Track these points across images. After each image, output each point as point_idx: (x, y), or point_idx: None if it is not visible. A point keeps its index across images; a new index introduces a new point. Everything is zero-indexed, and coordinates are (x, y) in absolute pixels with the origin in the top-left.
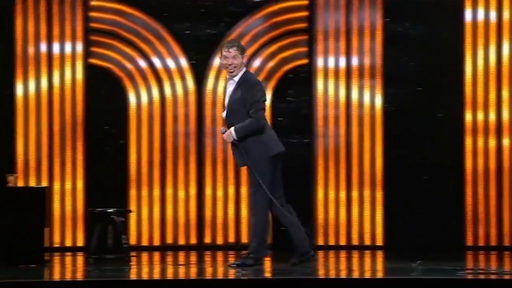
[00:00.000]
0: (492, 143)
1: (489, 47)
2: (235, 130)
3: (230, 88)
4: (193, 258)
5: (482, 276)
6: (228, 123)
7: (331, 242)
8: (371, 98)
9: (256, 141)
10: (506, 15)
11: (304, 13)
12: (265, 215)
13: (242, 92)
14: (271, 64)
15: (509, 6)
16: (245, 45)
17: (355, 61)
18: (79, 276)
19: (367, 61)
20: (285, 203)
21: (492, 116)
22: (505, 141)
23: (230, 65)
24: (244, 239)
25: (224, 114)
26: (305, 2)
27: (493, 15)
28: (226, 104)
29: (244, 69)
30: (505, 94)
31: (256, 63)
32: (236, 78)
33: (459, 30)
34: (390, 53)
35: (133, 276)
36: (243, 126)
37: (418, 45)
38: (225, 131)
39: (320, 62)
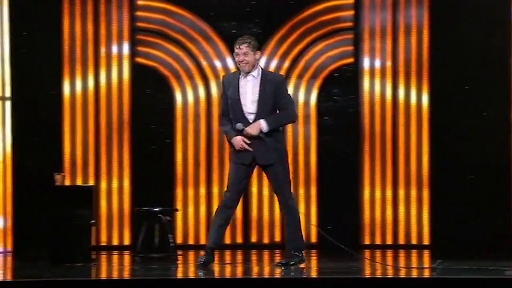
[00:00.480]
0: None
1: None
2: (267, 122)
3: (251, 84)
4: (239, 257)
5: None
6: (253, 119)
7: (378, 241)
8: (418, 97)
9: (280, 136)
10: None
11: (350, 12)
12: (298, 210)
13: (271, 87)
14: (317, 63)
15: None
16: (256, 42)
17: (401, 60)
18: (126, 275)
19: (413, 60)
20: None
21: None
22: None
23: (241, 61)
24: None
25: (251, 109)
26: (351, 1)
27: None
28: (252, 100)
29: (259, 66)
30: None
31: (302, 62)
32: (256, 74)
33: (506, 28)
34: (437, 52)
35: (179, 275)
36: (276, 117)
37: (464, 44)
38: (243, 127)
39: (366, 61)
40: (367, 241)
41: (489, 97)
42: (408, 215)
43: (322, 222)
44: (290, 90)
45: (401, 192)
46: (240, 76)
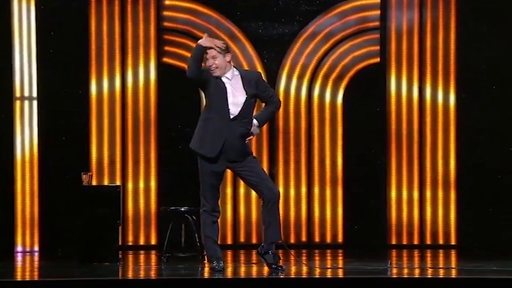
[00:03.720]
0: None
1: None
2: (260, 120)
3: (233, 86)
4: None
5: None
6: (239, 118)
7: (404, 241)
8: (445, 97)
9: None
10: None
11: (377, 12)
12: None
13: (255, 84)
14: (343, 62)
15: None
16: (224, 45)
17: (428, 60)
18: (153, 274)
19: (440, 59)
20: None
21: None
22: None
23: (211, 66)
24: (316, 238)
25: (236, 110)
26: (377, 1)
27: None
28: (238, 101)
29: (232, 67)
30: None
31: (329, 62)
32: (230, 76)
33: None
34: (464, 52)
35: (206, 274)
36: (266, 114)
37: (492, 43)
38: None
39: (392, 60)
40: (393, 241)
41: None
42: (435, 215)
43: (348, 222)
44: (317, 90)
45: (428, 193)
46: (217, 79)
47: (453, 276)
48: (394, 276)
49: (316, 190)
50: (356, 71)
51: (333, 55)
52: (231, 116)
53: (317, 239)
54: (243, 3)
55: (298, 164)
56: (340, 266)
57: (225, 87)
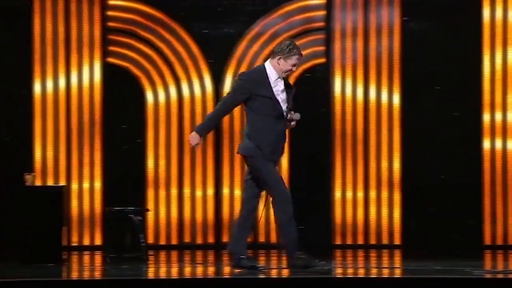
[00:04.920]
0: (510, 143)
1: (507, 47)
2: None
3: (282, 87)
4: (211, 257)
5: (500, 276)
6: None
7: (349, 241)
8: (389, 97)
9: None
10: None
11: (322, 12)
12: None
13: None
14: None
15: None
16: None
17: (372, 60)
18: (97, 275)
19: (384, 60)
20: None
21: (510, 117)
22: None
23: (293, 70)
24: (263, 238)
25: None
26: (323, 1)
27: (511, 15)
28: (287, 100)
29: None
30: None
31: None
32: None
33: (477, 29)
34: (408, 52)
35: (151, 275)
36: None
37: (436, 44)
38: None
39: (337, 61)
40: (338, 241)
41: (460, 97)
42: (379, 215)
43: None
44: None
45: (373, 193)
46: (270, 76)
47: (395, 276)
48: (339, 276)
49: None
50: (302, 71)
51: None
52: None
53: (261, 239)
54: (187, 3)
55: (244, 165)
56: (284, 266)
57: None
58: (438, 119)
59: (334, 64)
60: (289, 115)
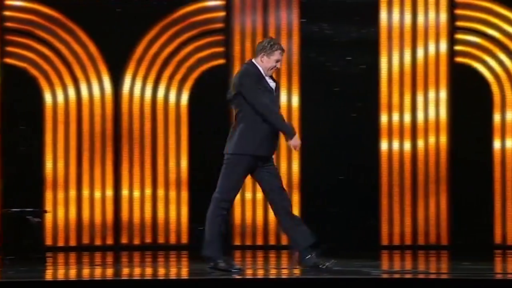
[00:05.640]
0: (407, 144)
1: (404, 49)
2: None
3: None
4: (110, 258)
5: (397, 276)
6: None
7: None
8: (288, 97)
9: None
10: (420, 18)
11: (221, 13)
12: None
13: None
14: (188, 63)
15: (423, 10)
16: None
17: None
18: None
19: (284, 61)
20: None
21: (407, 118)
22: (420, 142)
23: (277, 67)
24: (161, 239)
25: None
26: (222, 3)
27: (408, 18)
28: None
29: None
30: (419, 96)
31: (173, 63)
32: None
33: (374, 31)
34: (307, 54)
35: (49, 276)
36: None
37: (334, 46)
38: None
39: (237, 62)
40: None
41: (358, 98)
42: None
43: (194, 223)
44: (162, 91)
45: (160, 192)
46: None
47: (294, 277)
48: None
49: (161, 192)
50: (201, 72)
51: (178, 56)
52: None
53: (161, 240)
54: (86, 3)
55: (142, 166)
56: (185, 267)
57: None
58: (337, 120)
59: (234, 65)
60: None
